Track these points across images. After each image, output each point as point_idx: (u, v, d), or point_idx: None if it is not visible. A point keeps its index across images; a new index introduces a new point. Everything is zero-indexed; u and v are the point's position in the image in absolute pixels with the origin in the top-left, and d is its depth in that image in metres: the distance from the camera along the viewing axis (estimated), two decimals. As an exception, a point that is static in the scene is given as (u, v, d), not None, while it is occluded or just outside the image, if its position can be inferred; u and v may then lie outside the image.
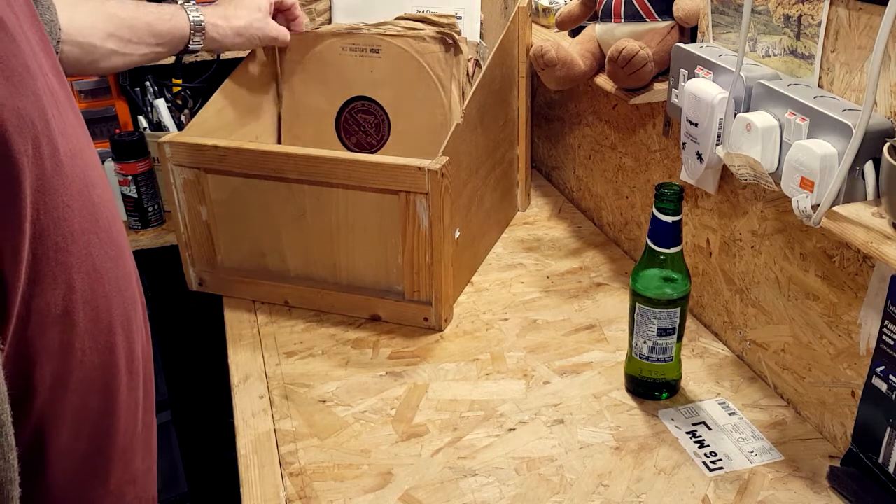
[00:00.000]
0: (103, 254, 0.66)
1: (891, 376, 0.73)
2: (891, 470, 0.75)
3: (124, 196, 1.47)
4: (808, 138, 0.74)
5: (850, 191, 0.71)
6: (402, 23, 1.24)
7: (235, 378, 1.01)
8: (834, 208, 0.70)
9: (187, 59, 1.55)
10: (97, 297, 0.65)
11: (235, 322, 1.13)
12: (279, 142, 1.32)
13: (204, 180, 1.11)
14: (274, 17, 1.23)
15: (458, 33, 1.19)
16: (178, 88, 1.58)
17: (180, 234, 1.17)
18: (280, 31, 1.22)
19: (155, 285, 1.61)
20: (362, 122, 1.27)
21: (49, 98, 0.60)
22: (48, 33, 0.97)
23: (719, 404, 0.93)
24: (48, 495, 0.67)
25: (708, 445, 0.87)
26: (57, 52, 0.99)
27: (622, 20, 1.05)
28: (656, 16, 1.03)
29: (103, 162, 1.50)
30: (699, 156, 0.92)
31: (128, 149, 1.43)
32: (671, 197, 0.84)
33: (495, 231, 1.34)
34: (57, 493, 0.68)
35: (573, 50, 1.13)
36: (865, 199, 0.70)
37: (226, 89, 1.23)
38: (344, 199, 1.06)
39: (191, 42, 1.12)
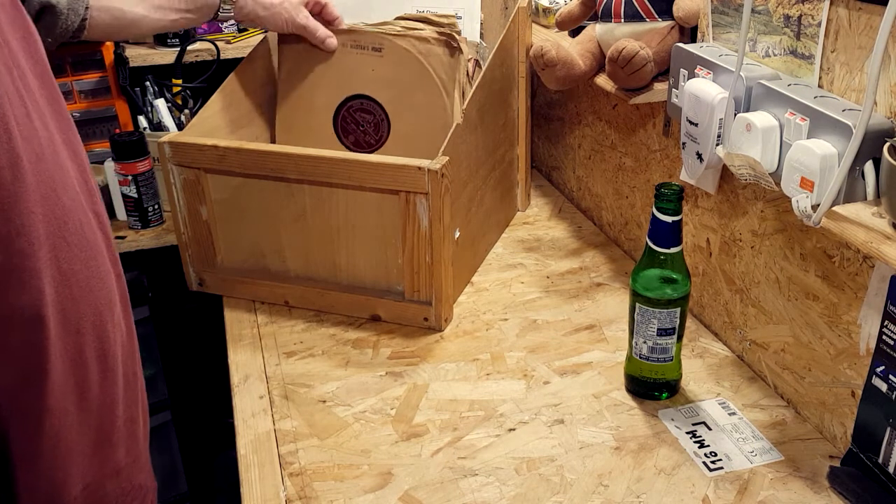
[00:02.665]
0: (72, 257, 0.65)
1: (891, 376, 0.73)
2: (891, 470, 0.75)
3: (124, 196, 1.47)
4: (808, 138, 0.74)
5: (850, 191, 0.71)
6: (403, 23, 1.24)
7: (235, 378, 1.01)
8: (834, 208, 0.70)
9: (187, 58, 1.56)
10: (64, 299, 0.64)
11: (235, 322, 1.13)
12: (273, 137, 1.32)
13: (204, 180, 1.11)
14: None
15: (458, 33, 1.19)
16: (178, 88, 1.58)
17: (180, 234, 1.17)
18: (311, 22, 1.20)
19: (155, 285, 1.61)
20: (361, 121, 1.27)
21: (15, 101, 0.60)
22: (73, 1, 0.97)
23: (719, 404, 0.93)
24: (17, 494, 0.67)
25: (708, 445, 0.87)
26: (86, 20, 1.00)
27: (622, 20, 1.05)
28: (656, 16, 1.03)
29: (102, 162, 1.50)
30: (699, 156, 0.92)
31: (128, 149, 1.43)
32: (671, 197, 0.84)
33: (495, 231, 1.34)
34: (26, 490, 0.67)
35: (573, 50, 1.13)
36: (865, 199, 0.70)
37: (226, 89, 1.23)
38: (344, 199, 1.06)
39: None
